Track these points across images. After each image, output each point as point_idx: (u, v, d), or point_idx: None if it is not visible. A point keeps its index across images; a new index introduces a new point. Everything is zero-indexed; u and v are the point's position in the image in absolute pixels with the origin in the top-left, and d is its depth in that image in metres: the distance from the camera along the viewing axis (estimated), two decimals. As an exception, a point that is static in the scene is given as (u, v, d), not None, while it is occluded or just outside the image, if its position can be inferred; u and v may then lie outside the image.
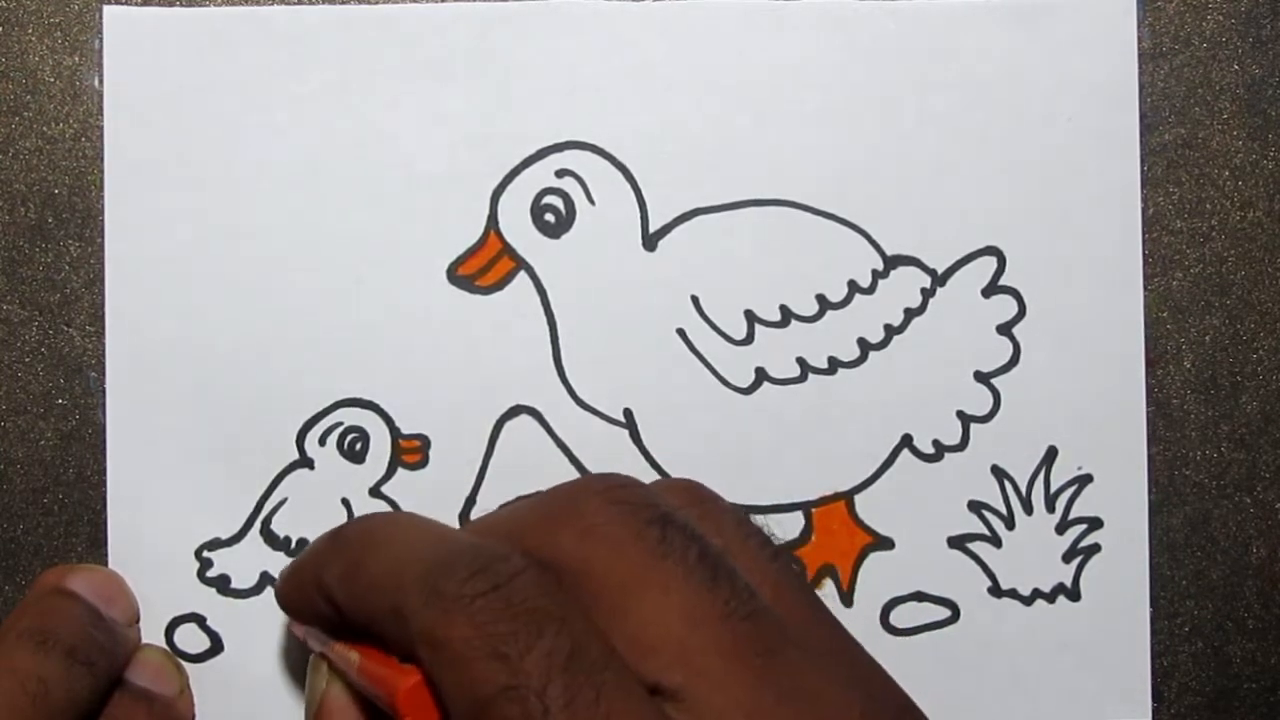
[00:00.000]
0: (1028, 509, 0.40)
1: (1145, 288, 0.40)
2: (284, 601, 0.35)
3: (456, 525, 0.39)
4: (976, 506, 0.40)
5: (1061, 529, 0.40)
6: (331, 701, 0.33)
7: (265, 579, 0.39)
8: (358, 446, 0.39)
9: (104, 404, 0.39)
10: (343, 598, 0.32)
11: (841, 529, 0.40)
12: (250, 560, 0.39)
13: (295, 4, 0.39)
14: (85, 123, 0.39)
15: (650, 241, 0.40)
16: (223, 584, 0.39)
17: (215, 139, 0.39)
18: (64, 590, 0.37)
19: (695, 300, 0.40)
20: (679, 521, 0.30)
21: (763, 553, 0.31)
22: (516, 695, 0.26)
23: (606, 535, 0.29)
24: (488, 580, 0.28)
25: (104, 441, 0.39)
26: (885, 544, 0.40)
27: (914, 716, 0.29)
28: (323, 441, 0.39)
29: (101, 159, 0.39)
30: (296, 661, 0.39)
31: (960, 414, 0.40)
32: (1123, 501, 0.40)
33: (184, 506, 0.39)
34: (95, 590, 0.37)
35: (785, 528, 0.40)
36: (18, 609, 0.37)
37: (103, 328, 0.39)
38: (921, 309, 0.40)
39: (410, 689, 0.29)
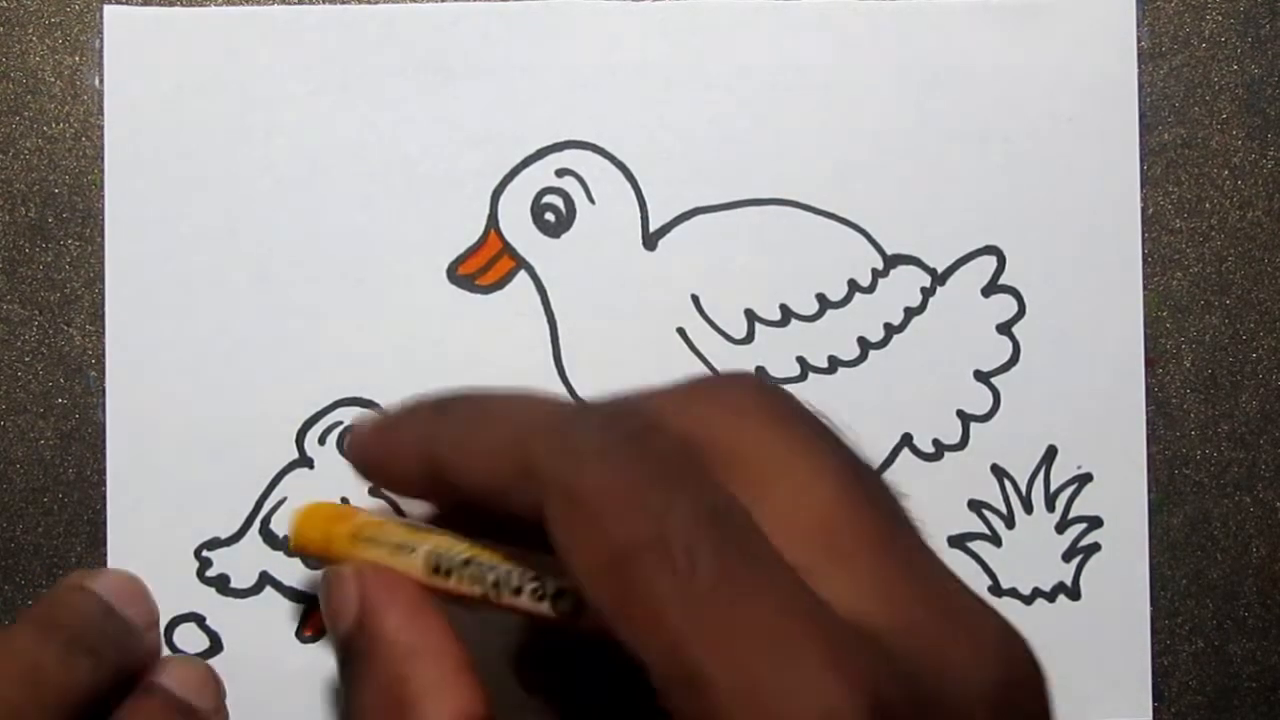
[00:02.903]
0: (1028, 508, 0.40)
1: (1145, 287, 0.40)
2: (374, 466, 0.32)
3: (456, 525, 0.39)
4: (976, 506, 0.40)
5: (1061, 528, 0.40)
6: (382, 596, 0.31)
7: (265, 579, 0.39)
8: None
9: (104, 404, 0.39)
10: (458, 462, 0.29)
11: (841, 529, 0.40)
12: (250, 560, 0.39)
13: (295, 4, 0.39)
14: (85, 123, 0.39)
15: (650, 241, 0.40)
16: (222, 584, 0.39)
17: (215, 139, 0.39)
18: (80, 587, 0.37)
19: (695, 300, 0.40)
20: (825, 421, 0.29)
21: (883, 478, 0.30)
22: (661, 546, 0.25)
23: (762, 415, 0.28)
24: (624, 429, 0.27)
25: (104, 441, 0.39)
26: (885, 544, 0.40)
27: (1031, 649, 0.28)
28: (323, 441, 0.39)
29: (101, 159, 0.39)
30: (297, 661, 0.39)
31: (960, 413, 0.40)
32: (1122, 501, 0.40)
33: (184, 506, 0.39)
34: (113, 590, 0.37)
35: (785, 527, 0.40)
36: (36, 600, 0.37)
37: (103, 328, 0.39)
38: (921, 308, 0.40)
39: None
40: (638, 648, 0.25)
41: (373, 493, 0.39)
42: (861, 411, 0.40)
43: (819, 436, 0.28)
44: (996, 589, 0.40)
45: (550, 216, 0.40)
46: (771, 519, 0.26)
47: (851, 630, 0.25)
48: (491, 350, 0.39)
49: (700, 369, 0.39)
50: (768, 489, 0.27)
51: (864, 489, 0.28)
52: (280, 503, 0.39)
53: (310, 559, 0.39)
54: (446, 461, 0.30)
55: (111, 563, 0.39)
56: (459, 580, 0.30)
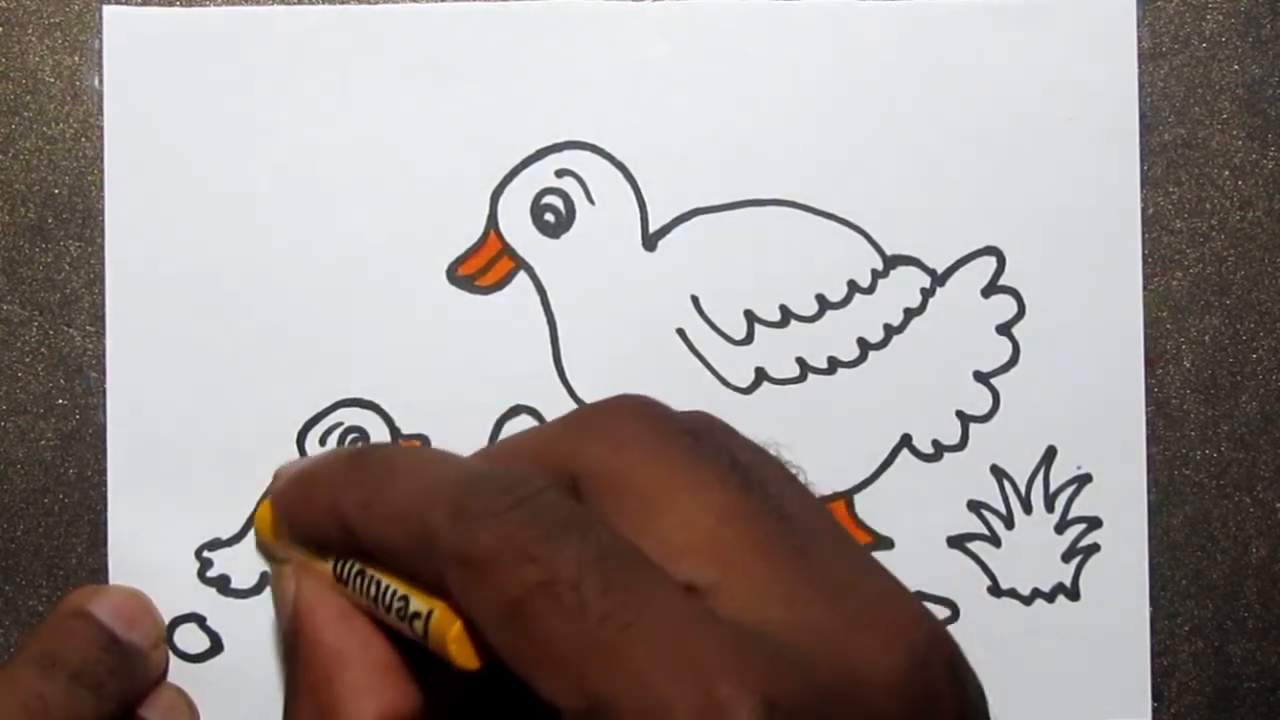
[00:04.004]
0: (1027, 509, 0.40)
1: (1145, 288, 0.40)
2: (288, 521, 0.34)
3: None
4: (976, 506, 0.40)
5: (1061, 529, 0.40)
6: (311, 597, 0.33)
7: (265, 579, 0.39)
8: (358, 446, 0.39)
9: (104, 404, 0.39)
10: (363, 523, 0.31)
11: (841, 529, 0.40)
12: (250, 560, 0.39)
13: (295, 4, 0.39)
14: (85, 123, 0.39)
15: (650, 241, 0.40)
16: (223, 584, 0.39)
17: (215, 139, 0.39)
18: (82, 613, 0.37)
19: (695, 300, 0.40)
20: (708, 434, 0.30)
21: (784, 471, 0.31)
22: (550, 590, 0.26)
23: (639, 444, 0.29)
24: (514, 495, 0.28)
25: (104, 441, 0.39)
26: (884, 543, 0.40)
27: (940, 628, 0.29)
28: (323, 441, 0.39)
29: (101, 159, 0.39)
30: (296, 661, 0.39)
31: (960, 414, 0.40)
32: (1122, 501, 0.40)
33: (184, 506, 0.39)
34: (115, 612, 0.37)
35: (785, 528, 0.40)
36: (36, 631, 0.37)
37: (103, 328, 0.39)
38: (921, 309, 0.40)
39: (462, 628, 0.29)
40: (544, 690, 0.26)
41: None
42: (861, 412, 0.40)
43: (697, 453, 0.29)
44: (996, 589, 0.40)
45: (550, 217, 0.40)
46: (660, 542, 0.28)
47: (744, 635, 0.26)
48: (491, 351, 0.39)
49: (700, 369, 0.39)
50: (654, 514, 0.28)
51: (749, 497, 0.28)
52: (280, 503, 0.39)
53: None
54: (352, 522, 0.31)
55: (112, 563, 0.39)
56: (354, 590, 0.32)
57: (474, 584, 0.27)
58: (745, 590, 0.27)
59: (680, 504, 0.28)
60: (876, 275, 0.40)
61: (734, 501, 0.28)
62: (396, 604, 0.31)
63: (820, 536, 0.29)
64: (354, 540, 0.32)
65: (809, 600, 0.27)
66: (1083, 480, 0.40)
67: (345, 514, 0.32)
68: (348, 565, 0.32)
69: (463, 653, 0.29)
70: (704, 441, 0.30)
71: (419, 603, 0.30)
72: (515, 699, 0.32)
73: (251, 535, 0.39)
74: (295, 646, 0.32)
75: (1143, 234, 0.40)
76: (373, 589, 0.31)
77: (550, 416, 0.39)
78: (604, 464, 0.29)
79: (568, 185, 0.39)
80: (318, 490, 0.33)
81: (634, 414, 0.31)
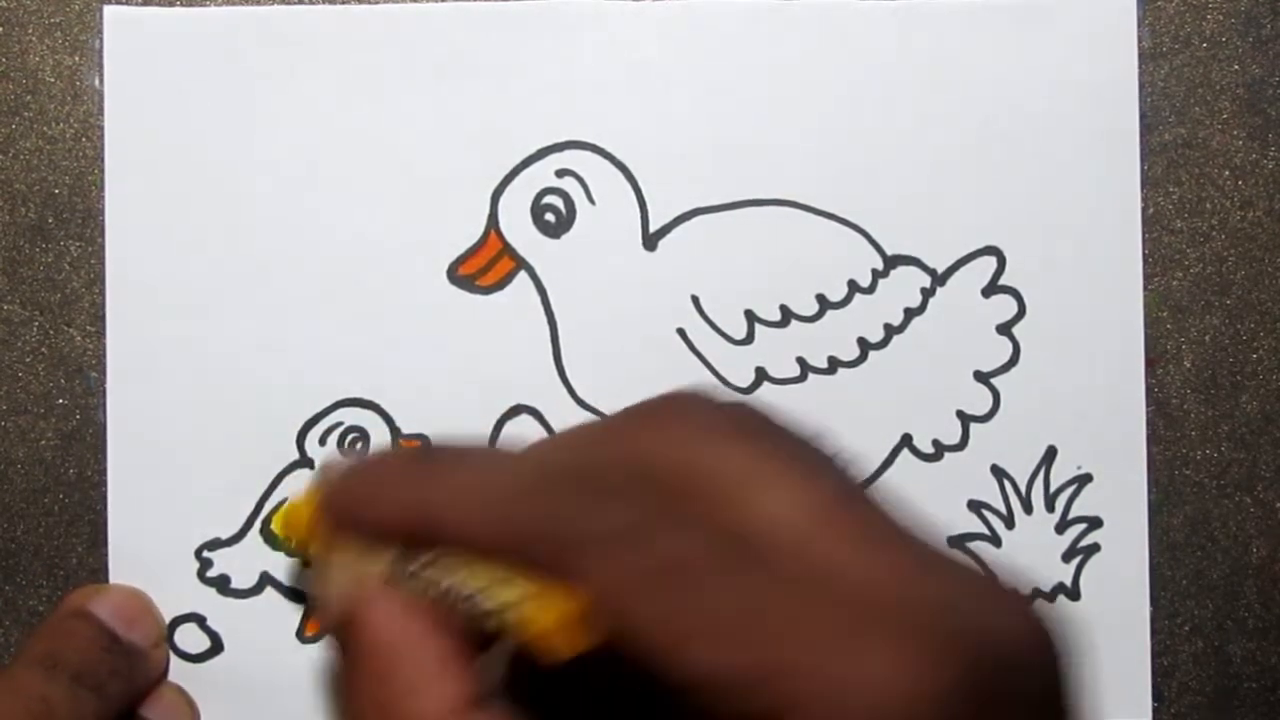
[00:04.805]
0: (1027, 508, 0.40)
1: (1145, 288, 0.40)
2: (347, 516, 0.33)
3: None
4: (976, 506, 0.40)
5: (1061, 528, 0.40)
6: (369, 591, 0.31)
7: (265, 579, 0.39)
8: (358, 446, 0.39)
9: (104, 404, 0.39)
10: (454, 517, 0.30)
11: (841, 529, 0.40)
12: (250, 560, 0.39)
13: (295, 4, 0.39)
14: (85, 123, 0.39)
15: (650, 241, 0.40)
16: (223, 584, 0.39)
17: (215, 139, 0.39)
18: (82, 613, 0.37)
19: (695, 300, 0.40)
20: (777, 421, 0.29)
21: (835, 458, 0.30)
22: (707, 562, 0.26)
23: (713, 434, 0.29)
24: (618, 478, 0.28)
25: (104, 441, 0.39)
26: (885, 544, 0.40)
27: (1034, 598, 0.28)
28: (323, 441, 0.39)
29: (101, 159, 0.39)
30: (297, 662, 0.39)
31: (960, 413, 0.40)
32: (1122, 501, 0.40)
33: (184, 506, 0.39)
34: (116, 612, 0.37)
35: (785, 527, 0.40)
36: (37, 631, 0.37)
37: (103, 328, 0.39)
38: (921, 309, 0.40)
39: (572, 607, 0.28)
40: (698, 662, 0.26)
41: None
42: (861, 412, 0.40)
43: (783, 446, 0.29)
44: (996, 589, 0.40)
45: (550, 217, 0.40)
46: (766, 529, 0.27)
47: (905, 609, 0.26)
48: (491, 350, 0.39)
49: (700, 369, 0.39)
50: (747, 505, 0.28)
51: (837, 484, 0.28)
52: (281, 503, 0.39)
53: (296, 553, 0.39)
54: (437, 516, 0.30)
55: (112, 563, 0.39)
56: (414, 585, 0.31)
57: (619, 559, 0.27)
58: (862, 573, 0.26)
59: (763, 498, 0.28)
60: (877, 275, 0.40)
61: (825, 489, 0.28)
62: (471, 597, 0.30)
63: (906, 529, 0.28)
64: (429, 535, 0.31)
65: (918, 579, 0.27)
66: (1083, 480, 0.40)
67: (426, 508, 0.31)
68: (405, 561, 0.31)
69: (567, 639, 0.28)
70: (774, 429, 0.29)
71: (499, 594, 0.29)
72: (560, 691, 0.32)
73: (251, 535, 0.39)
74: (350, 641, 0.32)
75: (1143, 234, 0.40)
76: (441, 583, 0.30)
77: (550, 416, 0.39)
78: (679, 454, 0.29)
79: (568, 185, 0.40)
80: (392, 483, 0.32)
81: (705, 406, 0.30)
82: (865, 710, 0.25)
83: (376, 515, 0.32)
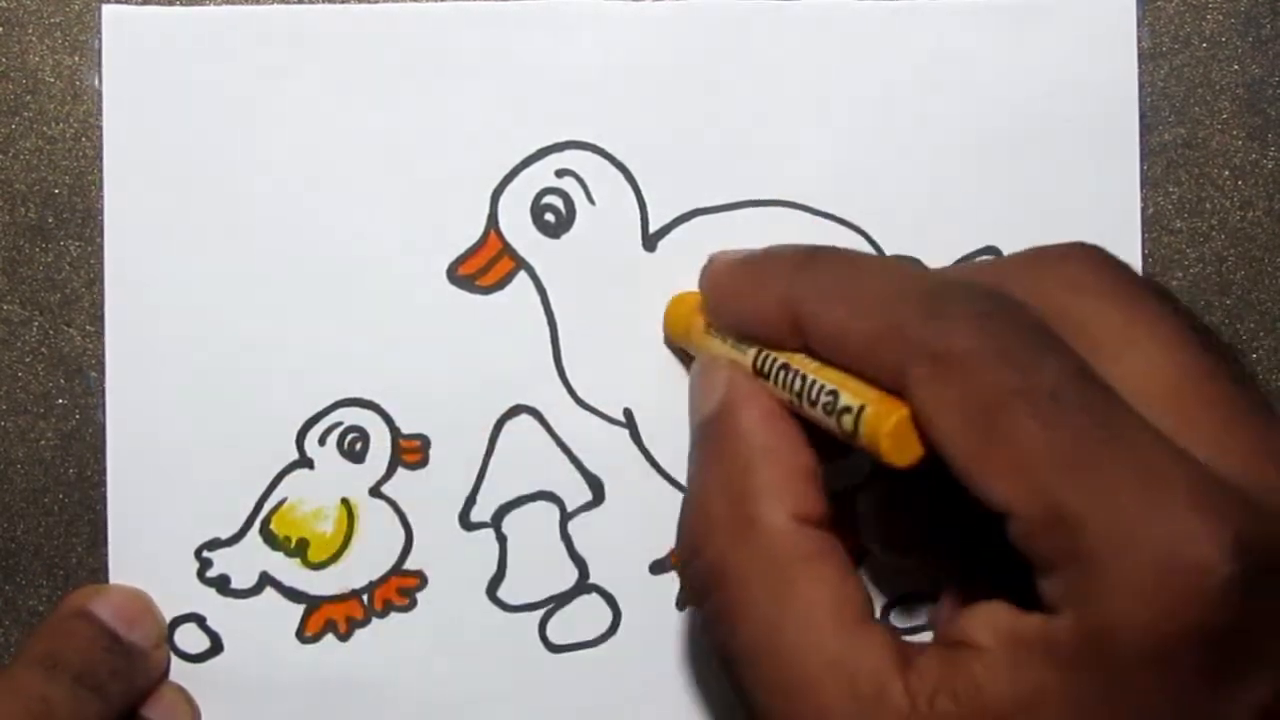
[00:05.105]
0: (1028, 509, 0.40)
1: (1145, 288, 0.40)
2: (721, 308, 0.35)
3: (458, 526, 0.39)
4: (976, 506, 0.40)
5: (1061, 529, 0.40)
6: (743, 390, 0.33)
7: (265, 579, 0.39)
8: (358, 446, 0.39)
9: (104, 404, 0.39)
10: (823, 313, 0.31)
11: (841, 529, 0.40)
12: (250, 560, 0.39)
13: (295, 4, 0.39)
14: (85, 123, 0.39)
15: (650, 241, 0.40)
16: (223, 584, 0.39)
17: (215, 139, 0.39)
18: (83, 613, 0.37)
19: (695, 300, 0.40)
20: (1164, 288, 0.30)
21: (1215, 336, 0.31)
22: (1028, 396, 0.26)
23: (1098, 289, 0.30)
24: (991, 302, 0.28)
25: (104, 441, 0.39)
26: (885, 544, 0.40)
27: None
28: (323, 441, 0.39)
29: (101, 159, 0.39)
30: (297, 661, 0.39)
31: (960, 414, 0.40)
32: (1122, 501, 0.40)
33: (184, 506, 0.39)
34: (117, 612, 0.37)
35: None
36: (38, 631, 0.37)
37: (103, 328, 0.39)
38: (921, 309, 0.40)
39: (904, 417, 0.29)
40: (1003, 494, 0.27)
41: (373, 493, 0.39)
42: (861, 412, 0.40)
43: (1160, 307, 0.29)
44: (996, 589, 0.40)
45: (550, 217, 0.40)
46: (1118, 386, 0.27)
47: (1215, 479, 0.26)
48: (491, 351, 0.39)
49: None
50: (1110, 359, 0.28)
51: (1208, 358, 0.29)
52: (280, 503, 0.39)
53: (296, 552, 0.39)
54: (808, 315, 0.31)
55: (112, 563, 0.39)
56: (775, 384, 0.32)
57: (943, 381, 0.28)
58: (1204, 445, 0.27)
59: (1139, 353, 0.28)
60: (876, 275, 0.40)
61: (1194, 360, 0.28)
62: (825, 398, 0.31)
63: (1267, 409, 0.29)
64: (796, 331, 0.32)
65: (1265, 465, 0.27)
66: (1083, 480, 0.40)
67: (800, 303, 0.32)
68: (770, 358, 0.33)
69: (896, 449, 0.29)
70: (1166, 297, 0.30)
71: (849, 398, 0.30)
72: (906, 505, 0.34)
73: (251, 535, 0.39)
74: (714, 437, 0.33)
75: (1143, 234, 0.40)
76: (797, 383, 0.32)
77: (550, 417, 0.39)
78: (1060, 304, 0.29)
79: (568, 185, 0.39)
80: (767, 279, 0.33)
81: (1093, 260, 0.31)
82: (1151, 567, 0.25)
83: (746, 306, 0.33)
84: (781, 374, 0.32)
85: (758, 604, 0.30)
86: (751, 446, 0.32)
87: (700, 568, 0.31)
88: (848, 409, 0.30)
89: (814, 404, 0.31)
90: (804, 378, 0.31)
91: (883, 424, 0.29)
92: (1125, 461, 0.26)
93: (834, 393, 0.31)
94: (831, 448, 0.32)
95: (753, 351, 0.33)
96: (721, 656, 0.31)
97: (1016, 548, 0.27)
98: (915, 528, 0.35)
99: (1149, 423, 0.27)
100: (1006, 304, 0.28)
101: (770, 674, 0.29)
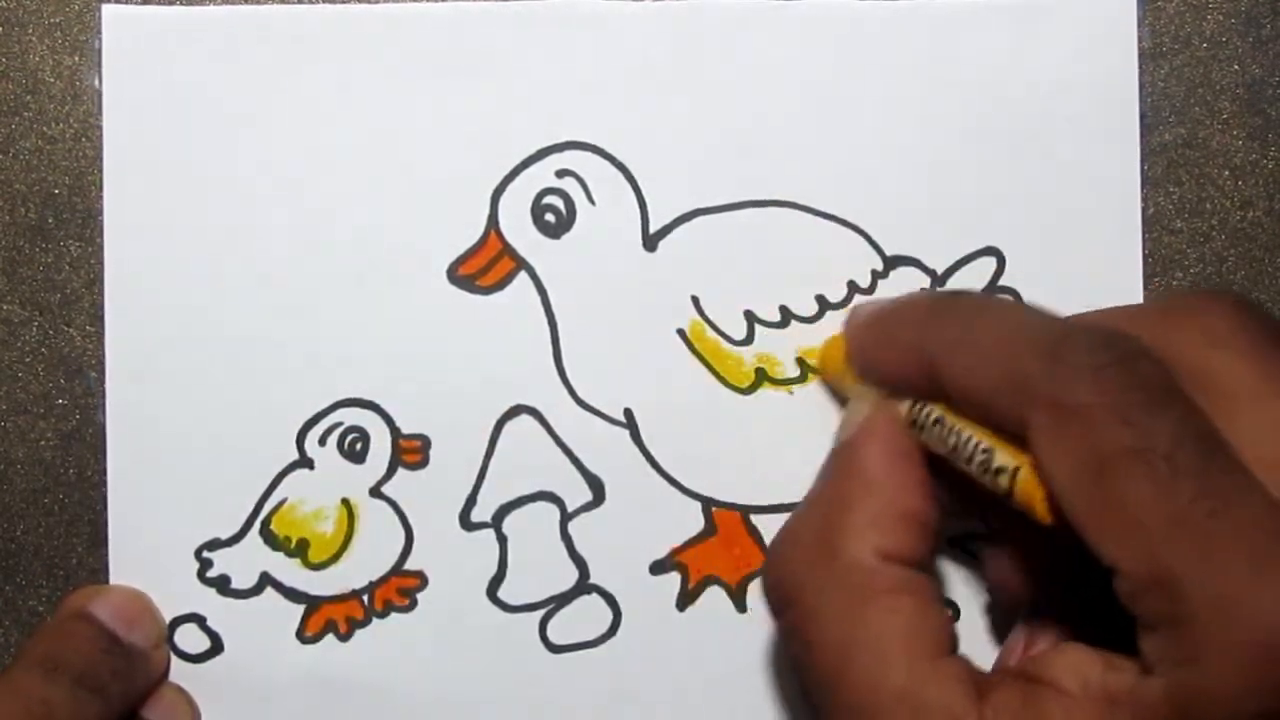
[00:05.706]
0: (1028, 509, 0.40)
1: (1145, 288, 0.40)
2: (862, 359, 0.35)
3: (458, 526, 0.39)
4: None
5: (1061, 529, 0.40)
6: (876, 427, 0.33)
7: (265, 579, 0.39)
8: (358, 446, 0.39)
9: (104, 404, 0.39)
10: (949, 362, 0.31)
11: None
12: (250, 560, 0.39)
13: (295, 4, 0.39)
14: (85, 123, 0.39)
15: (650, 241, 0.40)
16: (223, 584, 0.39)
17: (215, 139, 0.39)
18: (83, 615, 0.37)
19: (695, 301, 0.40)
20: None
21: None
22: (1143, 456, 0.26)
23: (1235, 343, 0.29)
24: (1113, 354, 0.28)
25: (104, 441, 0.39)
26: (885, 544, 0.40)
27: None
28: (323, 441, 0.39)
29: (101, 159, 0.39)
30: (297, 661, 0.39)
31: (960, 414, 0.40)
32: (1122, 501, 0.40)
33: (184, 506, 0.39)
34: (116, 613, 0.37)
35: (785, 528, 0.40)
36: (37, 633, 0.37)
37: (103, 328, 0.39)
38: (921, 309, 0.40)
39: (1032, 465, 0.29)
40: (1111, 551, 0.27)
41: (373, 493, 0.39)
42: (861, 412, 0.40)
43: None
44: (996, 589, 0.40)
45: (550, 217, 0.40)
46: (1243, 447, 0.27)
47: None
48: (491, 351, 0.39)
49: (701, 370, 0.39)
50: (1238, 417, 0.28)
51: None
52: (280, 503, 0.39)
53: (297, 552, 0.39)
54: (939, 362, 0.32)
55: (112, 563, 0.39)
56: (927, 436, 0.33)
57: (1061, 433, 0.28)
58: None
59: (1267, 412, 0.28)
60: (876, 276, 0.40)
61: None
62: (980, 456, 0.31)
63: None
64: (934, 382, 0.32)
65: None
66: (1083, 480, 0.40)
67: (930, 353, 0.32)
68: (925, 410, 0.33)
69: (1042, 507, 0.29)
70: None
71: (1004, 457, 0.31)
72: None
73: (251, 535, 0.39)
74: (833, 464, 0.34)
75: (1143, 234, 0.40)
76: (952, 438, 0.32)
77: (550, 417, 0.39)
78: (1193, 357, 0.29)
79: (568, 185, 0.39)
80: (901, 329, 0.34)
81: (1231, 311, 0.30)
82: (1251, 638, 0.25)
83: (883, 358, 0.34)
84: (936, 428, 0.33)
85: (829, 628, 0.30)
86: (859, 481, 0.32)
87: (778, 583, 0.32)
88: (1002, 469, 0.31)
89: (969, 461, 0.32)
90: (958, 434, 0.32)
91: (1039, 491, 0.29)
92: (1235, 529, 0.26)
93: (989, 450, 0.31)
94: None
95: (907, 402, 0.34)
96: (798, 672, 0.31)
97: (1122, 603, 0.27)
98: (1034, 571, 0.35)
99: (1265, 489, 0.27)
100: (1130, 355, 0.28)
101: (842, 698, 0.30)
